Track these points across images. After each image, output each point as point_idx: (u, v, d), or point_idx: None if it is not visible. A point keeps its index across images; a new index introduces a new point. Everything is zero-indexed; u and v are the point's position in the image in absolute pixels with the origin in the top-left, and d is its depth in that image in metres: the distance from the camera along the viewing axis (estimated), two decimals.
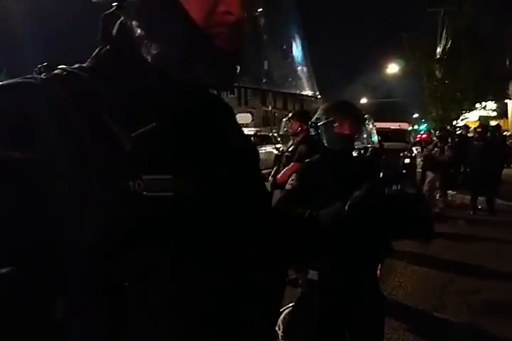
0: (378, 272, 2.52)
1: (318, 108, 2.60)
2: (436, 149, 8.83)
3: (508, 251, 6.05)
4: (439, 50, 20.54)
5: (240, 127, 0.92)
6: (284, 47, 0.92)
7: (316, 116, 2.52)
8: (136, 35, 0.69)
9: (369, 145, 2.46)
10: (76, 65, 0.73)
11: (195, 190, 0.68)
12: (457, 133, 13.80)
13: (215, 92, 0.87)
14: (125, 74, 0.72)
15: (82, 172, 0.60)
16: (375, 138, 2.47)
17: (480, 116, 22.61)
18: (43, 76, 0.68)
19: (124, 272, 0.61)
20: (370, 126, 2.44)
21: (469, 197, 9.18)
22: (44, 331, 0.59)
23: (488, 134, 9.54)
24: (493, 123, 15.45)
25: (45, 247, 0.58)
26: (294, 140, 4.59)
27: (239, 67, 0.74)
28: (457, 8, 19.67)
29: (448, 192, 9.14)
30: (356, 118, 2.41)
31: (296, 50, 0.94)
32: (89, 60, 0.75)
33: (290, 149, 4.49)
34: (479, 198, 8.92)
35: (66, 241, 0.59)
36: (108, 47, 0.74)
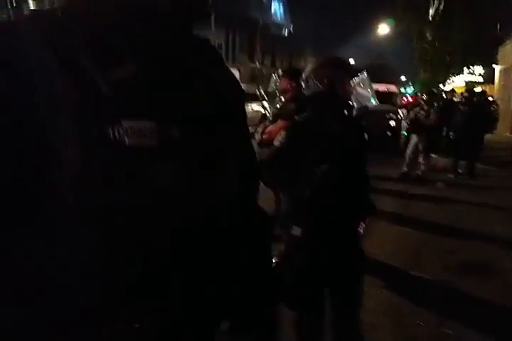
0: (361, 230, 2.56)
1: (308, 66, 2.54)
2: (422, 112, 8.84)
3: (485, 213, 6.23)
4: (431, 11, 20.19)
5: (227, 72, 0.86)
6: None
7: (309, 69, 2.47)
8: None
9: (362, 106, 2.46)
10: (47, 7, 0.69)
11: (181, 137, 0.65)
12: (443, 97, 13.79)
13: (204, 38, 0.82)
14: (101, 11, 0.67)
15: (56, 116, 0.58)
16: (373, 99, 2.46)
17: (467, 82, 22.58)
18: (12, 17, 0.65)
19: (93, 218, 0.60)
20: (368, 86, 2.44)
21: (451, 160, 9.30)
22: None
23: (475, 99, 9.58)
24: (478, 89, 15.49)
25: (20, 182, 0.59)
26: (282, 98, 4.53)
27: None
28: None
29: (431, 155, 9.24)
30: (352, 76, 2.39)
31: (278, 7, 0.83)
32: None
33: (278, 107, 4.44)
34: (460, 162, 9.05)
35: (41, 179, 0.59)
36: None
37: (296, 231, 2.30)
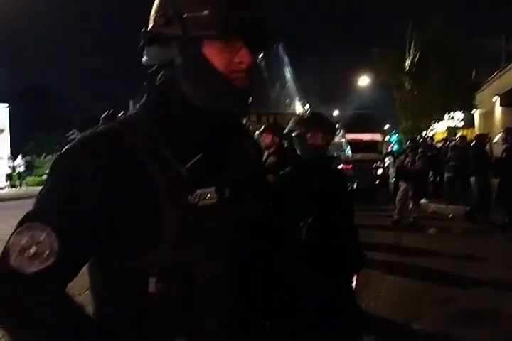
0: (353, 284, 2.50)
1: (290, 121, 2.60)
2: (407, 159, 8.96)
3: (481, 258, 6.15)
4: (407, 62, 20.96)
5: (255, 143, 1.25)
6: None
7: (288, 128, 2.52)
8: (183, 83, 0.97)
9: (337, 156, 2.48)
10: (131, 113, 1.04)
11: (230, 196, 0.99)
12: (426, 143, 14.04)
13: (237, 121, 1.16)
14: (171, 114, 0.99)
15: (153, 194, 0.90)
16: (348, 149, 2.47)
17: (448, 127, 23.04)
18: (114, 125, 0.97)
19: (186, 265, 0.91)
20: (342, 137, 2.46)
21: (439, 205, 9.31)
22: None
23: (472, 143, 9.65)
24: (459, 133, 15.84)
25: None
26: (266, 152, 4.57)
27: (252, 98, 1.01)
28: (424, 21, 20.17)
29: (421, 201, 9.26)
30: (328, 129, 2.44)
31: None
32: (139, 106, 1.03)
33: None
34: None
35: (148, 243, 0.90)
36: (154, 93, 1.01)
37: None
